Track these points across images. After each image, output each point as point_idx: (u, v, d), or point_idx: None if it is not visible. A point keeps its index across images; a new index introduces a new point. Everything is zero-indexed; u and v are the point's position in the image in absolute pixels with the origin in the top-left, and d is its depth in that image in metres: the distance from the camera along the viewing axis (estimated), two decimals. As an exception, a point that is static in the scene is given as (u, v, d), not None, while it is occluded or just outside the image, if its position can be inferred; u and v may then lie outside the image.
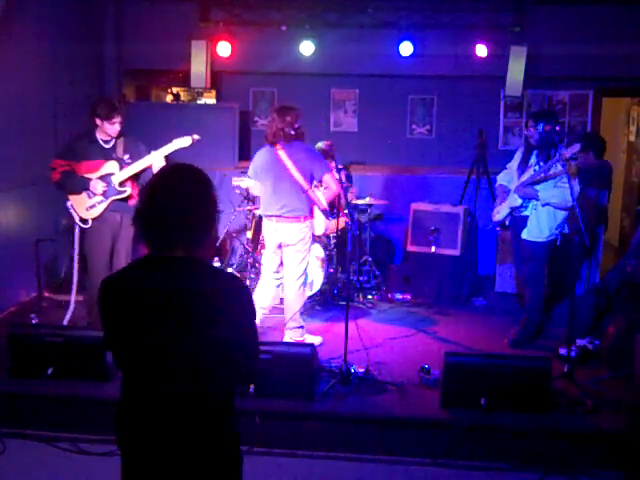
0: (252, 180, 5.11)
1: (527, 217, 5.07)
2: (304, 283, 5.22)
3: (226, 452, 2.12)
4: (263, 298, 5.21)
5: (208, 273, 2.09)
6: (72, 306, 5.25)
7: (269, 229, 5.10)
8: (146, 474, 2.08)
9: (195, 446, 2.04)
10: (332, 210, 6.21)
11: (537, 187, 4.94)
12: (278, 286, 5.31)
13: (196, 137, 4.99)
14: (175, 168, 2.16)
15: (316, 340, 5.20)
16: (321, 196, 5.15)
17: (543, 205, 4.96)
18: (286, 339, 5.20)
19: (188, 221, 2.03)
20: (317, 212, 5.36)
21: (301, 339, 5.15)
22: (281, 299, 5.60)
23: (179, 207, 2.01)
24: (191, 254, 2.06)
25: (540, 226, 5.02)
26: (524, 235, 5.09)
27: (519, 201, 5.06)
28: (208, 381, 2.05)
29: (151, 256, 2.07)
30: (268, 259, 5.22)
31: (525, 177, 5.05)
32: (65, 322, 5.17)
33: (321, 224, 5.51)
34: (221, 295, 2.04)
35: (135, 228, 2.08)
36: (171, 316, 2.00)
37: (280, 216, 4.98)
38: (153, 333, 2.01)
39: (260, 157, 5.10)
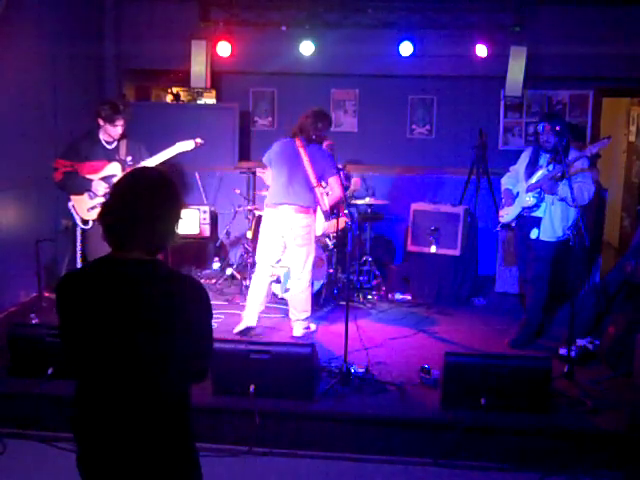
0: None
1: (537, 218, 5.06)
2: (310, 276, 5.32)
3: (179, 451, 2.12)
4: (258, 297, 5.24)
5: (164, 275, 2.10)
6: None
7: (274, 218, 5.15)
8: (103, 470, 2.09)
9: (148, 444, 2.06)
10: (332, 210, 6.22)
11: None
12: (271, 283, 5.37)
13: (199, 141, 5.00)
14: (138, 170, 2.21)
15: (312, 326, 5.44)
16: (325, 197, 5.25)
17: (560, 200, 4.95)
18: (297, 332, 5.28)
19: (148, 224, 2.05)
20: (318, 213, 5.42)
21: (308, 326, 5.35)
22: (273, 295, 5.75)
23: (138, 208, 2.04)
24: (152, 256, 2.08)
25: (554, 226, 5.02)
26: (534, 235, 5.07)
27: (533, 200, 5.05)
28: (161, 380, 2.07)
29: (110, 257, 2.10)
30: (266, 253, 5.22)
31: (536, 177, 5.04)
32: None
33: (320, 225, 5.57)
34: (176, 297, 2.06)
35: (99, 223, 2.10)
36: (126, 317, 2.02)
37: (291, 204, 5.09)
38: (107, 333, 2.03)
39: (279, 146, 5.26)
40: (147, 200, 2.05)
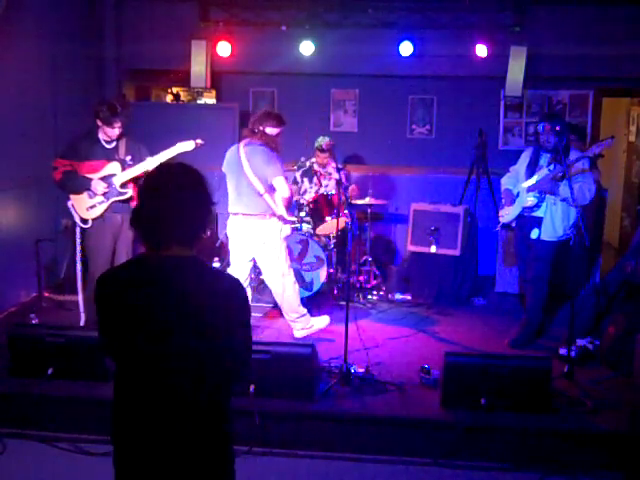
0: None
1: (538, 217, 5.06)
2: (291, 274, 5.21)
3: (218, 452, 2.12)
4: None
5: (205, 272, 2.10)
6: (82, 307, 5.25)
7: (235, 226, 5.08)
8: (139, 471, 2.09)
9: (188, 444, 2.05)
10: (332, 210, 6.21)
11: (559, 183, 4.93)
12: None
13: (199, 142, 4.99)
14: (168, 166, 2.21)
15: (324, 320, 5.31)
16: (279, 201, 5.01)
17: (562, 200, 4.94)
18: (297, 333, 5.22)
19: (182, 218, 2.05)
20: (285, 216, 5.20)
21: (310, 325, 5.23)
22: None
23: (173, 204, 2.04)
24: (188, 252, 2.08)
25: (555, 226, 5.02)
26: (535, 235, 5.07)
27: (534, 200, 5.04)
28: (204, 379, 2.06)
29: (148, 255, 2.09)
30: (235, 260, 5.17)
31: (537, 177, 5.04)
32: (82, 323, 5.18)
33: (285, 227, 5.24)
34: (218, 294, 2.06)
35: (132, 227, 2.10)
36: (167, 315, 2.01)
37: (244, 214, 5.00)
38: (148, 332, 2.03)
39: (229, 153, 5.15)
40: (177, 194, 2.05)
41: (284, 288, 5.16)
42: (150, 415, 2.05)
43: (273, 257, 5.09)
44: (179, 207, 2.04)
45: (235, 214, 5.06)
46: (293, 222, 5.13)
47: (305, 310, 5.30)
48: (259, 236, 5.03)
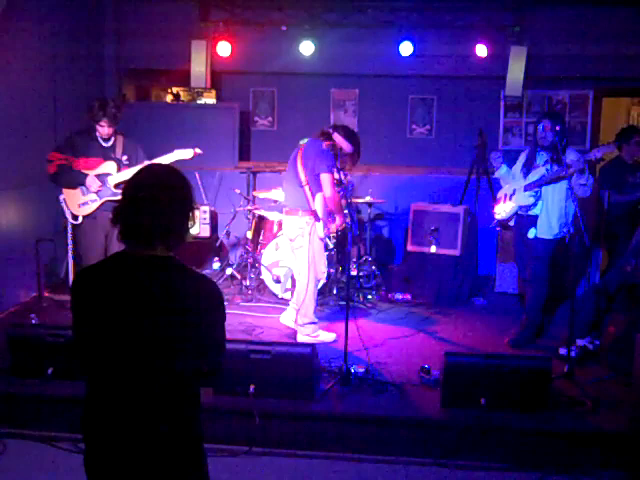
0: None
1: (534, 216, 5.07)
2: (315, 279, 5.15)
3: (188, 452, 2.13)
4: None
5: (181, 273, 2.12)
6: None
7: (283, 224, 5.31)
8: (110, 469, 2.09)
9: (157, 444, 2.06)
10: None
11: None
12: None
13: (198, 151, 4.98)
14: (152, 167, 2.22)
15: (330, 336, 5.24)
16: (318, 199, 4.99)
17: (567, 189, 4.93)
18: (300, 337, 5.17)
19: (169, 218, 2.06)
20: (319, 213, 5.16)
21: (316, 335, 5.17)
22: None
23: (157, 204, 2.05)
24: (168, 252, 2.10)
25: (551, 224, 5.02)
26: (532, 235, 5.07)
27: (531, 200, 5.04)
28: (172, 379, 2.07)
29: (127, 253, 2.10)
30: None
31: (535, 177, 5.04)
32: None
33: (318, 226, 5.13)
34: (192, 295, 2.08)
35: (114, 224, 2.10)
36: (141, 314, 2.03)
37: (284, 206, 5.20)
38: (122, 330, 2.04)
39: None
40: (163, 194, 2.06)
41: (304, 289, 5.08)
42: (121, 413, 2.06)
43: (299, 255, 5.09)
44: (166, 207, 2.05)
45: (282, 208, 5.28)
46: (326, 223, 5.09)
47: (317, 319, 5.25)
48: (290, 231, 5.13)
